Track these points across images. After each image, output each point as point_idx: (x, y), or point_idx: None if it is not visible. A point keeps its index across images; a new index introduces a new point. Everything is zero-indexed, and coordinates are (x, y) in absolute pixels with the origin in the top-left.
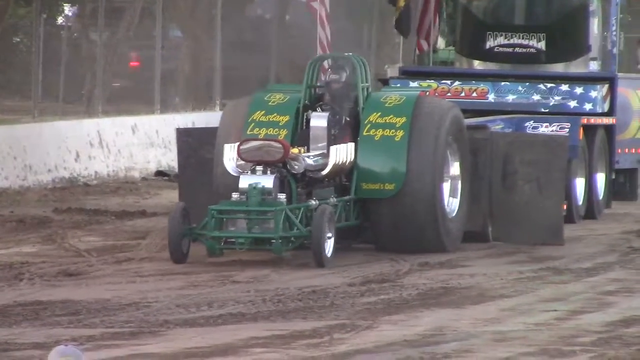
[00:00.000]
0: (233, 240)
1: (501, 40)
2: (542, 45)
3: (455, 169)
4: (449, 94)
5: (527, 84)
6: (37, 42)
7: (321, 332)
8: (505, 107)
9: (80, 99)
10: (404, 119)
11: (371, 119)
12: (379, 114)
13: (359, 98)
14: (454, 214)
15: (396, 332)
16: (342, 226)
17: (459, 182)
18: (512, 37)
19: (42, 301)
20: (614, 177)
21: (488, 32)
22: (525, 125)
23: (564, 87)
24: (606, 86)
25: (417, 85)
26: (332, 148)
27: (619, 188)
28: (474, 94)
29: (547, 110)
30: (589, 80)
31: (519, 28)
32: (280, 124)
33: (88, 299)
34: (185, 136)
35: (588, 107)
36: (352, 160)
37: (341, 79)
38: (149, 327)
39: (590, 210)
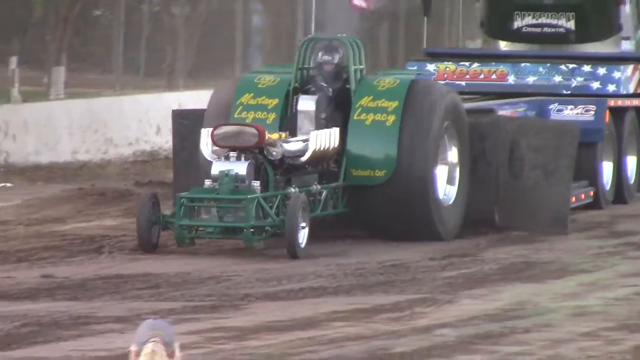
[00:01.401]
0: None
1: (529, 20)
2: (571, 24)
3: (453, 155)
4: (467, 76)
5: (549, 65)
6: (118, 15)
7: (402, 306)
8: (525, 89)
9: (161, 73)
10: (396, 103)
11: (362, 103)
12: (371, 97)
13: (350, 81)
14: (450, 202)
15: (477, 307)
16: (329, 214)
17: (457, 169)
18: (540, 17)
19: (122, 274)
20: None
21: (516, 12)
22: (550, 107)
23: (587, 68)
24: (631, 67)
25: (435, 67)
26: (313, 133)
27: None
28: (493, 76)
29: (568, 92)
30: (617, 60)
31: (547, 7)
32: (269, 107)
33: (169, 273)
34: (180, 118)
35: (611, 88)
36: (336, 146)
37: (333, 61)
38: (230, 300)
39: (620, 195)
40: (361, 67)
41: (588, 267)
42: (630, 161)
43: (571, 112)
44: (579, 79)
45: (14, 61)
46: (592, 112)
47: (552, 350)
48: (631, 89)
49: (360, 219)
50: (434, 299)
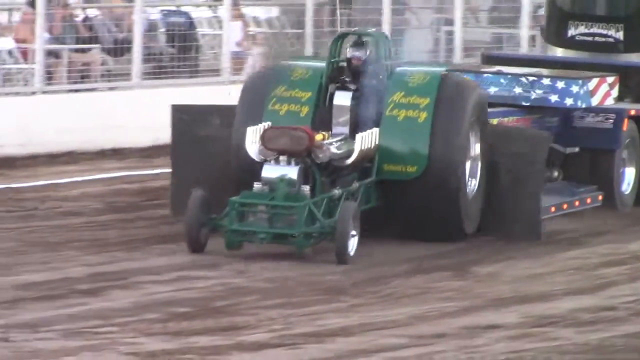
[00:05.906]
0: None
1: (582, 29)
2: (620, 35)
3: (476, 149)
4: None
5: (509, 76)
6: None
7: None
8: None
9: None
10: (427, 100)
11: (395, 99)
12: (403, 93)
13: (382, 76)
14: (473, 194)
15: None
16: (363, 209)
17: (479, 162)
18: (592, 27)
19: None
20: None
21: (570, 21)
22: (573, 115)
23: (546, 82)
24: (595, 80)
25: None
26: (358, 136)
27: None
28: None
29: (528, 104)
30: None
31: (598, 18)
32: (302, 100)
33: None
34: (179, 113)
35: (569, 102)
36: (376, 144)
37: (364, 56)
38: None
39: None
40: (390, 62)
41: None
42: None
43: (592, 120)
44: (539, 91)
45: None
46: (612, 121)
47: None
48: (593, 102)
49: (391, 213)
50: None
